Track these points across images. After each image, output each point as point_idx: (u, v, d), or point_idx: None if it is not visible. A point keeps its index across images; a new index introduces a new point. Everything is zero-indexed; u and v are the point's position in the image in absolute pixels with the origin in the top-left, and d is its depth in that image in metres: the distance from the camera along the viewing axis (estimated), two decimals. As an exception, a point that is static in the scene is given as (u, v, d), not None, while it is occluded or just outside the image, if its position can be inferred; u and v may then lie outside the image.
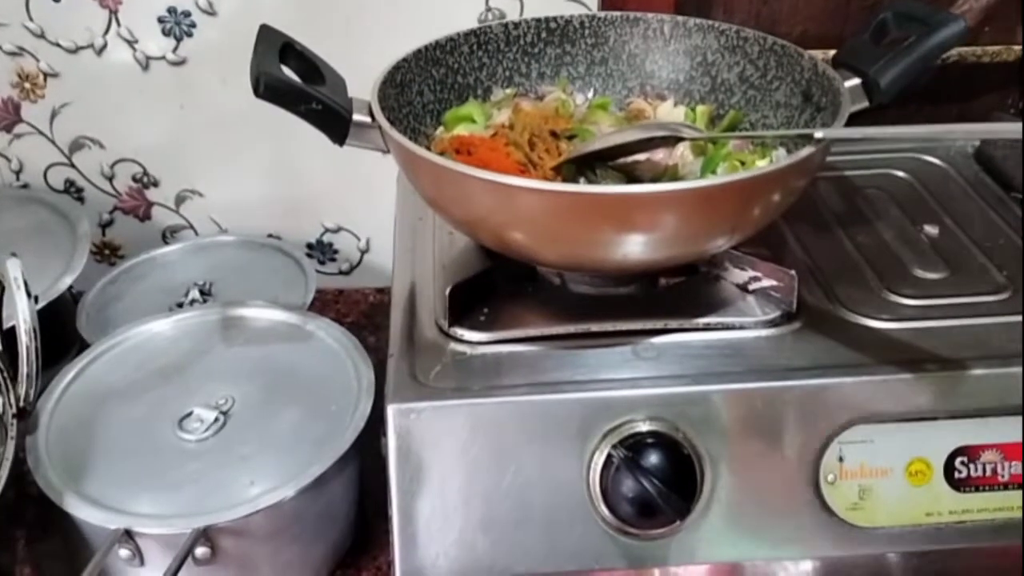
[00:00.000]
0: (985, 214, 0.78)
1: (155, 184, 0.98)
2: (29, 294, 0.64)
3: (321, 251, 1.03)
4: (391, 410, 0.59)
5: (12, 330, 0.70)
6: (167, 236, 1.01)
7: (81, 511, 0.61)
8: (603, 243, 0.59)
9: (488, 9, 0.90)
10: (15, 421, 0.63)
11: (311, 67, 0.66)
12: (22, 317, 0.64)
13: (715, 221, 0.59)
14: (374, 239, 1.03)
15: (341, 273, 1.05)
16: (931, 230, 0.76)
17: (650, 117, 0.78)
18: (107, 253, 1.02)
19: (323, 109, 0.62)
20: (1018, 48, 0.97)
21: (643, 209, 0.56)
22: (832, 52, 0.87)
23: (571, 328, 0.64)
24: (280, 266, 0.93)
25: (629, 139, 0.66)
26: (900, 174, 0.84)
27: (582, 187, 0.60)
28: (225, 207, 1.00)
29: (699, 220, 0.58)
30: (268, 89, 0.59)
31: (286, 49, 0.65)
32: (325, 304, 1.01)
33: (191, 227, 1.01)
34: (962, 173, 0.84)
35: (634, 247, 0.59)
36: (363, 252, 1.04)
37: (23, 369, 0.65)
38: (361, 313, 1.03)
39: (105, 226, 1.00)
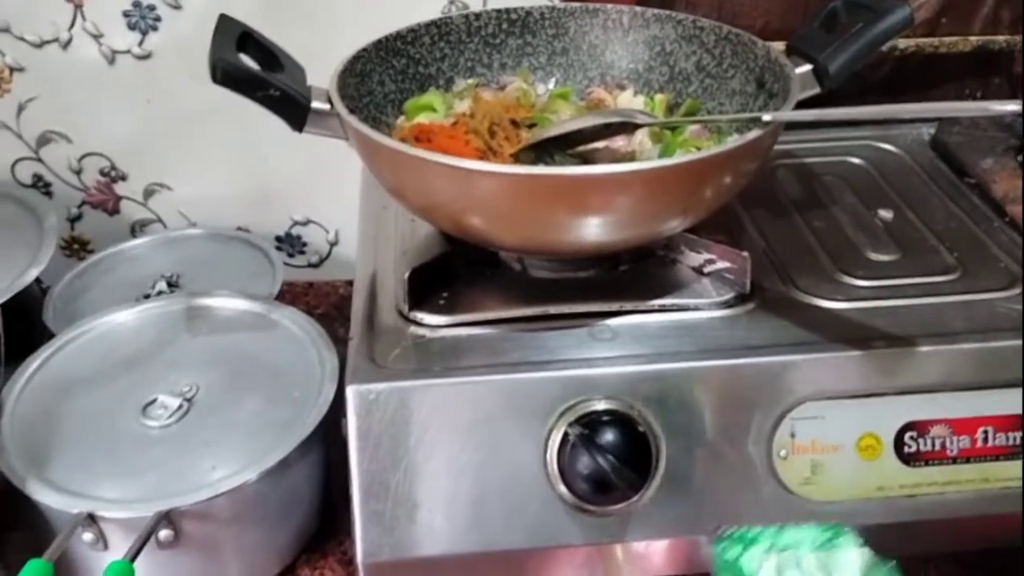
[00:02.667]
0: (939, 199, 0.80)
1: (123, 178, 0.98)
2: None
3: (290, 244, 1.04)
4: (351, 391, 0.59)
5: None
6: (136, 230, 1.01)
7: (44, 496, 0.62)
8: (559, 225, 0.60)
9: (452, 1, 0.91)
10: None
11: (270, 56, 0.66)
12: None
13: (668, 202, 0.60)
14: (343, 231, 1.04)
15: (311, 266, 1.06)
16: (885, 214, 0.77)
17: (610, 106, 0.79)
18: (76, 247, 1.02)
19: (280, 96, 0.62)
20: (974, 39, 0.99)
21: (597, 190, 0.57)
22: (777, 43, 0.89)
23: (529, 311, 0.65)
24: (248, 258, 0.94)
25: (586, 124, 0.67)
26: (856, 161, 0.86)
27: (537, 169, 0.61)
28: (194, 200, 1.00)
29: (652, 201, 0.59)
30: (225, 75, 0.60)
31: (245, 38, 0.65)
32: (295, 296, 1.02)
33: (160, 221, 1.01)
34: (917, 160, 0.85)
35: (589, 229, 0.60)
36: (332, 244, 1.04)
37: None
38: (331, 305, 1.03)
39: (74, 220, 1.01)
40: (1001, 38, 0.99)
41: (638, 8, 0.80)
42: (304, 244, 1.04)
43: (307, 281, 1.05)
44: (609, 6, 0.81)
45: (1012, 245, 0.73)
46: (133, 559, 0.57)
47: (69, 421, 0.68)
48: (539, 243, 0.64)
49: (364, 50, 0.73)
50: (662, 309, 0.65)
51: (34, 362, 0.73)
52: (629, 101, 0.79)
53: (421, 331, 0.65)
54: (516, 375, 0.60)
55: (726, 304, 0.66)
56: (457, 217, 0.63)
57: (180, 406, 0.69)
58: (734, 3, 0.98)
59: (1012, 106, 0.49)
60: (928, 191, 0.81)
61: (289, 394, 0.70)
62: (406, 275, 0.64)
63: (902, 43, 0.97)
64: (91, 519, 0.61)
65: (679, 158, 0.59)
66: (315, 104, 0.64)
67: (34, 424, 0.68)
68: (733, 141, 0.58)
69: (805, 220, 0.77)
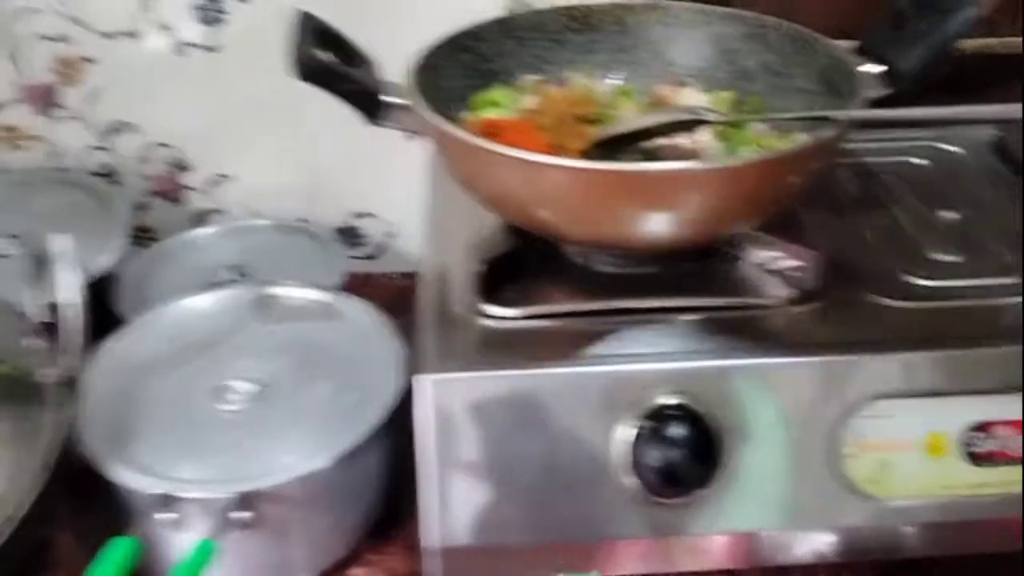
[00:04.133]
0: (1000, 201, 0.80)
1: (189, 168, 1.01)
2: (76, 268, 0.67)
3: (348, 236, 1.05)
4: (423, 380, 0.61)
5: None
6: (199, 219, 1.04)
7: (125, 477, 0.64)
8: (628, 221, 0.61)
9: (514, -1, 0.92)
10: (62, 390, 0.66)
11: (346, 50, 0.68)
12: (67, 289, 0.66)
13: (738, 200, 0.61)
14: (400, 224, 1.05)
15: (368, 258, 1.07)
16: (947, 215, 0.77)
17: (673, 103, 0.80)
18: (140, 236, 1.04)
19: (358, 89, 0.64)
20: (1035, 38, 0.98)
21: (667, 187, 0.58)
22: (852, 43, 0.90)
23: (597, 305, 0.66)
24: (310, 249, 0.96)
25: (654, 122, 0.68)
26: (917, 161, 0.86)
27: (610, 164, 0.61)
28: (255, 192, 1.02)
29: (722, 199, 0.60)
30: (306, 70, 0.62)
31: (322, 33, 0.67)
32: (352, 288, 1.03)
33: (222, 211, 1.03)
34: (979, 161, 0.85)
35: (659, 225, 0.61)
36: (389, 237, 1.06)
37: (69, 340, 0.67)
38: (388, 297, 1.04)
39: (139, 209, 1.03)
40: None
41: (702, 6, 0.80)
42: (362, 236, 1.06)
43: (364, 272, 1.06)
44: (674, 3, 0.81)
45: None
46: (215, 538, 0.59)
47: (145, 403, 0.70)
48: (607, 237, 0.65)
49: (435, 45, 0.74)
50: (729, 307, 0.66)
51: (110, 345, 0.75)
52: (692, 98, 0.80)
53: (490, 323, 0.66)
54: (585, 368, 0.61)
55: (794, 302, 0.66)
56: (527, 209, 0.64)
57: (253, 391, 0.71)
58: (793, 1, 0.99)
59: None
60: (990, 193, 0.81)
61: (357, 382, 0.72)
62: (478, 268, 0.65)
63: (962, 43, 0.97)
64: (170, 499, 0.63)
65: (752, 156, 0.59)
66: (391, 99, 0.66)
67: (112, 406, 0.70)
68: (805, 140, 0.59)
69: (866, 219, 0.77)
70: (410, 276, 1.06)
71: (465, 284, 0.69)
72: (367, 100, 0.64)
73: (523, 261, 0.70)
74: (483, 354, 0.63)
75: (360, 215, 1.04)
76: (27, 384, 0.69)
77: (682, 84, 0.81)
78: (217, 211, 1.03)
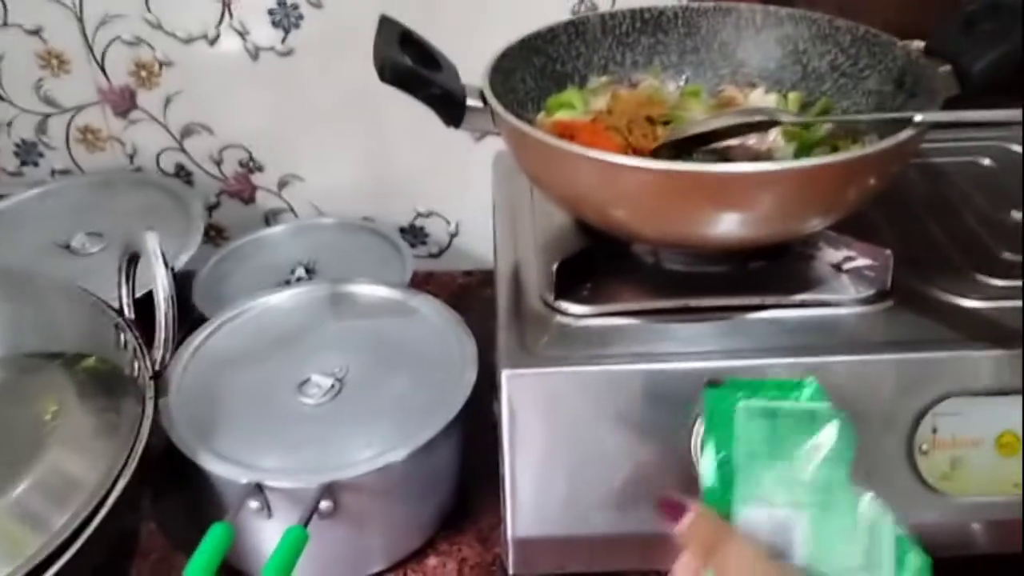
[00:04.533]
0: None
1: (260, 169, 1.03)
2: (167, 264, 0.69)
3: (413, 234, 1.08)
4: (504, 375, 0.62)
5: (142, 299, 0.75)
6: (269, 218, 1.06)
7: (215, 466, 0.66)
8: (702, 221, 0.62)
9: (581, 1, 0.93)
10: (152, 383, 0.69)
11: (427, 55, 0.70)
12: (161, 285, 0.69)
13: (812, 202, 0.62)
14: (463, 223, 1.07)
15: (431, 256, 1.09)
16: (1016, 215, 0.78)
17: (741, 104, 0.81)
18: (213, 234, 1.07)
19: (442, 94, 0.66)
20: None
21: (741, 188, 0.59)
22: (915, 42, 0.90)
23: (669, 303, 0.67)
24: (377, 247, 0.98)
25: (727, 124, 0.69)
26: (985, 161, 0.86)
27: (684, 165, 0.62)
28: (323, 191, 1.05)
29: (796, 200, 0.61)
30: (393, 74, 0.64)
31: (404, 37, 0.69)
32: (416, 285, 1.05)
33: (291, 210, 1.06)
34: (1045, 158, 0.86)
35: (731, 225, 0.62)
36: (452, 236, 1.08)
37: (160, 335, 0.70)
38: (451, 294, 1.07)
39: (212, 208, 1.06)
40: None
41: (771, 8, 0.81)
42: (426, 235, 1.08)
43: (427, 270, 1.09)
44: (742, 5, 0.82)
45: None
46: (304, 526, 0.61)
47: (230, 396, 0.73)
48: (680, 237, 0.66)
49: (509, 49, 0.75)
50: (802, 304, 0.67)
51: (195, 340, 0.78)
52: (761, 99, 0.81)
53: (566, 320, 0.67)
54: (660, 365, 0.62)
55: (866, 301, 0.67)
56: (602, 209, 0.65)
57: (332, 385, 0.73)
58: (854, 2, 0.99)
59: None
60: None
61: (432, 377, 0.74)
62: (553, 267, 0.67)
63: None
64: (259, 488, 0.65)
65: (829, 158, 0.60)
66: (470, 102, 0.68)
67: (198, 398, 0.73)
68: (885, 142, 0.60)
69: (936, 219, 0.78)
70: (471, 274, 1.09)
71: (539, 281, 0.71)
72: (448, 104, 0.66)
73: (594, 259, 0.71)
74: (561, 350, 0.64)
75: (424, 214, 1.07)
76: (117, 377, 0.72)
77: (751, 85, 0.82)
78: (286, 210, 1.06)
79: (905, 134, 0.60)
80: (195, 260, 0.91)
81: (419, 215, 1.07)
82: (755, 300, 0.67)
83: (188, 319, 0.90)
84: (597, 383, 0.63)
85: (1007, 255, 0.73)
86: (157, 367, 0.70)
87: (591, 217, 0.68)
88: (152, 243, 0.69)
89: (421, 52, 0.70)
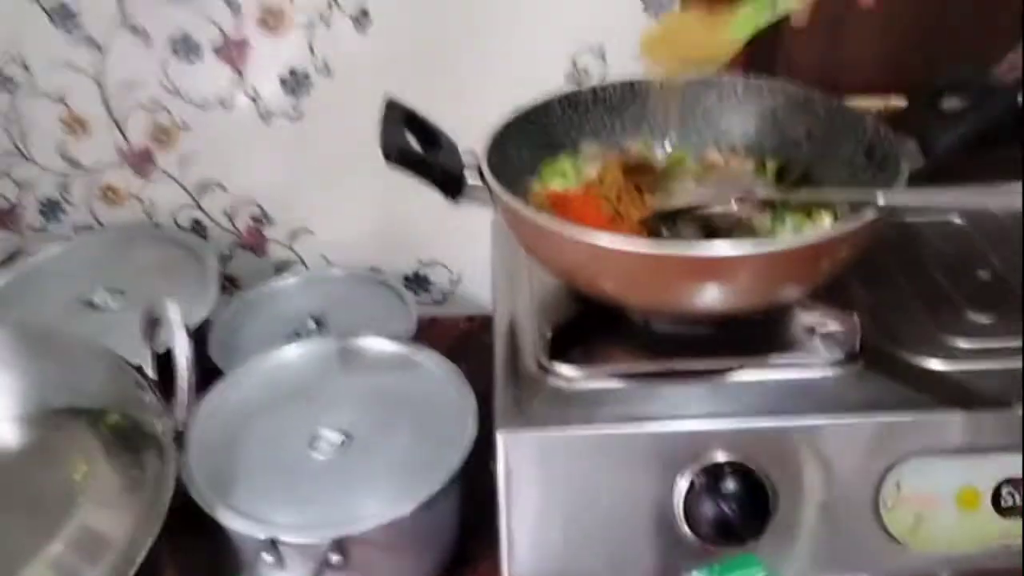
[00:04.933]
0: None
1: (271, 223, 1.09)
2: (188, 332, 0.75)
3: (417, 283, 1.13)
4: (500, 437, 0.67)
5: (162, 358, 0.80)
6: (280, 268, 1.12)
7: (233, 522, 0.71)
8: (684, 294, 0.67)
9: (575, 66, 0.99)
10: (174, 443, 0.74)
11: (429, 134, 0.75)
12: (181, 351, 0.74)
13: (786, 277, 0.67)
14: (465, 272, 1.12)
15: (435, 303, 1.15)
16: (983, 274, 0.82)
17: (723, 168, 0.86)
18: (227, 285, 1.13)
19: (441, 174, 0.71)
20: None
21: (720, 268, 0.64)
22: (892, 98, 0.95)
23: (655, 366, 0.73)
24: (383, 298, 1.03)
25: (706, 199, 0.74)
26: (956, 220, 0.91)
27: (666, 247, 0.66)
28: (331, 243, 1.10)
29: (772, 277, 0.66)
30: (399, 158, 0.69)
31: (408, 118, 0.75)
32: (419, 332, 1.10)
33: (301, 261, 1.11)
34: (1015, 220, 0.90)
35: (712, 298, 0.67)
36: (455, 283, 1.13)
37: (181, 397, 0.75)
38: (453, 340, 1.12)
39: (226, 259, 1.11)
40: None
41: (752, 80, 0.86)
42: (429, 283, 1.13)
43: (430, 316, 1.13)
44: (724, 78, 0.87)
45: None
46: (313, 580, 0.66)
47: (245, 451, 0.78)
48: (664, 307, 0.71)
49: (506, 123, 0.81)
50: (777, 366, 0.72)
51: (212, 397, 0.83)
52: (741, 164, 0.86)
53: (559, 382, 0.72)
54: (647, 429, 0.68)
55: (837, 363, 0.72)
56: (590, 281, 0.71)
57: (341, 441, 0.78)
58: (836, 58, 1.04)
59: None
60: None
61: (434, 432, 0.79)
62: (548, 335, 0.72)
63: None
64: (273, 543, 0.70)
65: (801, 239, 0.65)
66: (469, 179, 0.73)
67: (215, 453, 0.78)
68: (851, 223, 0.65)
69: (907, 277, 0.82)
70: (473, 319, 1.14)
71: (535, 343, 0.76)
72: (449, 183, 0.71)
73: (587, 321, 0.76)
74: (554, 412, 0.69)
75: (427, 264, 1.12)
76: (140, 434, 0.77)
77: (733, 150, 0.88)
78: (296, 261, 1.11)
79: (870, 215, 0.65)
80: (211, 311, 0.96)
81: (422, 264, 1.12)
82: (735, 363, 0.72)
83: (203, 369, 0.96)
84: (589, 445, 0.68)
85: (972, 315, 0.77)
86: (179, 427, 0.75)
87: (582, 287, 0.73)
88: (172, 311, 0.74)
89: (424, 130, 0.75)
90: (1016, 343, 0.74)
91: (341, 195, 1.07)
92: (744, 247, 0.64)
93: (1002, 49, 1.00)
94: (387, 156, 0.69)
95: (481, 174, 0.73)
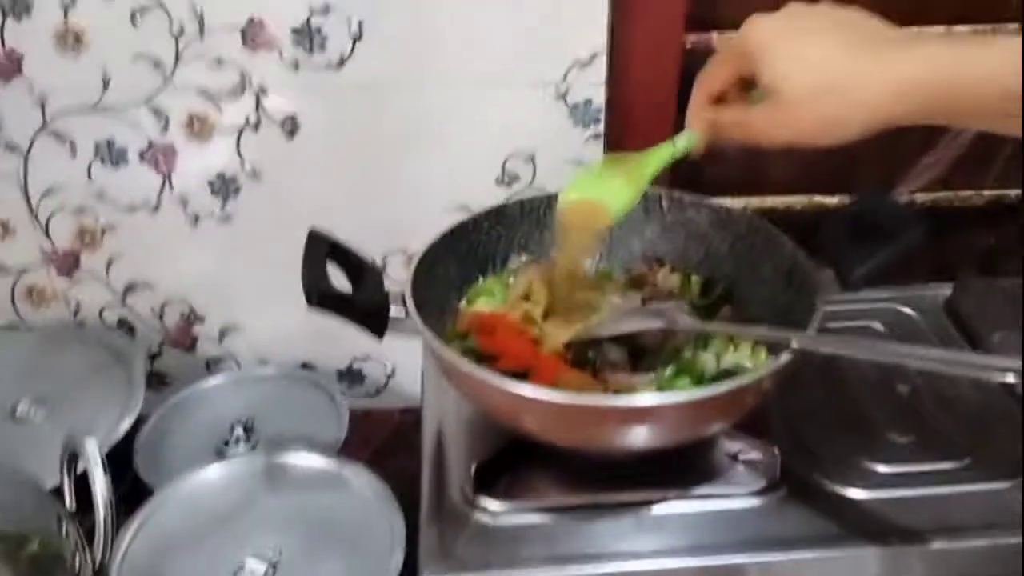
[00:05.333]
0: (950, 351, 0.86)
1: (201, 320, 1.08)
2: (105, 469, 0.73)
3: (351, 377, 1.12)
4: (425, 583, 0.67)
5: (82, 485, 0.79)
6: (210, 365, 1.10)
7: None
8: (603, 437, 0.68)
9: (504, 172, 0.99)
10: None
11: (353, 264, 0.75)
12: (100, 491, 0.73)
13: (705, 419, 0.68)
14: (399, 365, 1.12)
15: (368, 396, 1.14)
16: (902, 388, 0.84)
17: (650, 282, 0.87)
18: (155, 381, 1.11)
19: (365, 314, 0.71)
20: (987, 193, 1.06)
21: (637, 416, 0.65)
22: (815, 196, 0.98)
23: (581, 499, 0.73)
24: (315, 399, 1.02)
25: (629, 329, 0.75)
26: (877, 326, 0.93)
27: (581, 398, 0.66)
28: (263, 339, 1.09)
29: (690, 420, 0.67)
30: (320, 301, 0.69)
31: (332, 249, 0.75)
32: (354, 425, 1.09)
33: (233, 357, 1.10)
34: (933, 325, 0.93)
35: (632, 440, 0.68)
36: (389, 377, 1.13)
37: (100, 536, 0.73)
38: (389, 434, 1.12)
39: (154, 357, 1.10)
40: (1013, 192, 1.07)
41: (675, 193, 0.88)
42: (363, 377, 1.13)
43: (365, 410, 1.13)
44: (649, 190, 0.88)
45: (1017, 424, 0.79)
46: None
47: (170, 584, 0.77)
48: (587, 447, 0.72)
49: (433, 245, 0.81)
50: (701, 497, 0.73)
51: (132, 525, 0.81)
52: (667, 277, 0.87)
53: (485, 518, 0.72)
54: (570, 569, 0.68)
55: (759, 492, 0.73)
56: (511, 421, 0.71)
57: (266, 572, 0.77)
58: (762, 161, 1.07)
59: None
60: (942, 361, 0.88)
61: (363, 558, 0.78)
62: (473, 469, 0.72)
63: (920, 197, 1.05)
64: None
65: (717, 388, 0.65)
66: (394, 312, 0.73)
67: (138, 588, 0.77)
68: (766, 369, 0.66)
69: (827, 394, 0.84)
70: (408, 411, 1.14)
71: (460, 475, 0.76)
72: (374, 322, 0.71)
73: (514, 450, 0.76)
74: (479, 552, 0.69)
75: (361, 358, 1.11)
76: (59, 565, 0.75)
77: (659, 263, 0.89)
78: (227, 357, 1.10)
79: (784, 358, 0.66)
80: (137, 413, 0.94)
81: (356, 359, 1.11)
82: (659, 494, 0.73)
83: (129, 480, 0.94)
84: (511, 587, 0.68)
85: (892, 435, 0.79)
86: (97, 566, 0.73)
87: (504, 424, 0.73)
88: (92, 450, 0.73)
89: (348, 262, 0.75)
90: (933, 467, 0.76)
91: (272, 293, 1.05)
92: (662, 398, 0.65)
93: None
94: (308, 298, 0.68)
95: (406, 307, 0.73)
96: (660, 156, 0.70)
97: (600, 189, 0.73)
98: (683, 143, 0.68)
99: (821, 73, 0.56)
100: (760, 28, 0.60)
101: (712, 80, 0.64)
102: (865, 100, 0.56)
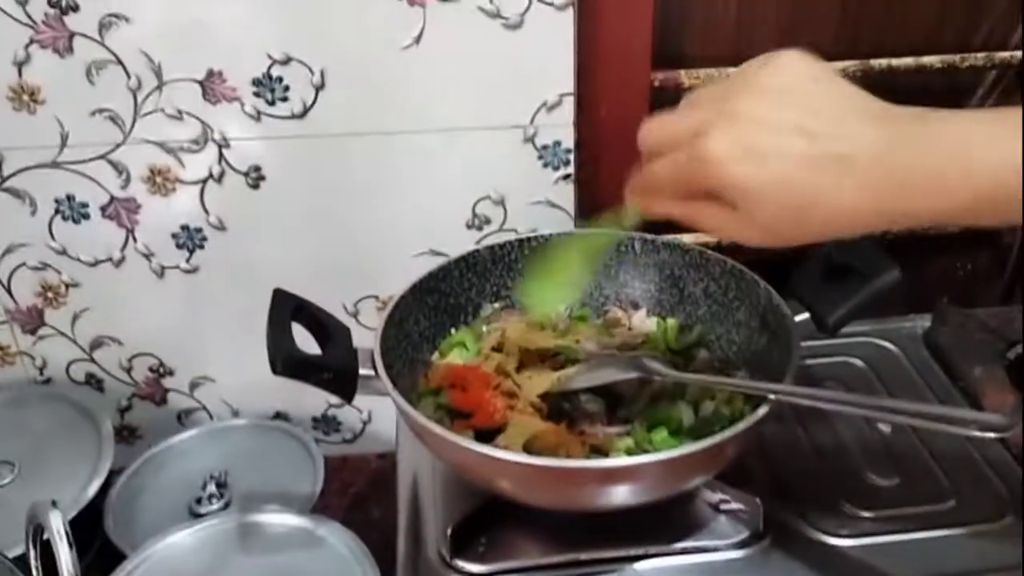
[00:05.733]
0: (929, 400, 0.86)
1: (170, 373, 1.06)
2: (71, 543, 0.71)
3: (326, 424, 1.10)
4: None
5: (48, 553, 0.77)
6: (182, 417, 1.08)
7: None
8: (582, 497, 0.66)
9: (475, 216, 0.98)
10: (61, 660, 0.70)
11: (319, 323, 0.74)
12: (65, 565, 0.71)
13: (684, 475, 0.66)
14: (375, 411, 1.10)
15: (345, 441, 1.12)
16: (884, 428, 0.83)
17: (625, 325, 0.86)
18: (126, 435, 1.09)
19: (333, 377, 0.69)
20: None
21: (614, 477, 0.64)
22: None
23: (561, 558, 0.71)
24: (289, 450, 1.01)
25: (604, 381, 0.73)
26: (856, 362, 0.92)
27: (555, 461, 0.65)
28: (235, 389, 1.07)
29: (669, 477, 0.66)
30: (285, 367, 0.67)
31: (297, 309, 0.73)
32: (331, 472, 1.08)
33: (205, 408, 1.08)
34: (913, 360, 0.92)
35: (611, 499, 0.66)
36: (365, 423, 1.11)
37: (68, 613, 0.71)
38: (365, 481, 1.10)
39: (124, 411, 1.07)
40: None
41: (648, 236, 0.86)
42: (339, 423, 1.11)
43: (342, 455, 1.11)
44: (622, 233, 0.87)
45: (1002, 464, 0.78)
46: None
47: (140, 661, 0.75)
48: (566, 507, 0.70)
49: (402, 298, 0.79)
50: (684, 551, 0.72)
51: (104, 597, 0.79)
52: (642, 321, 0.86)
53: (462, 580, 0.71)
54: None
55: (742, 544, 0.72)
56: (487, 482, 0.69)
57: (241, 642, 0.75)
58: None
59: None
60: (923, 396, 0.87)
61: (339, 623, 0.76)
62: (448, 531, 0.70)
63: (895, 225, 1.04)
64: None
65: (695, 446, 0.63)
66: (362, 371, 0.71)
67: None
68: (745, 422, 0.64)
69: (809, 436, 0.83)
70: (385, 456, 1.12)
71: (437, 534, 0.74)
72: (342, 385, 0.70)
73: (490, 508, 0.75)
74: (456, 620, 0.68)
75: (336, 404, 1.09)
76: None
77: (634, 306, 0.88)
78: (199, 409, 1.08)
79: (762, 411, 0.65)
80: (106, 469, 0.92)
81: (331, 406, 1.10)
82: (640, 550, 0.72)
83: (99, 542, 0.92)
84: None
85: (874, 478, 0.78)
86: (67, 642, 0.71)
87: (478, 485, 0.71)
88: (56, 522, 0.71)
89: (315, 321, 0.74)
90: (918, 510, 0.75)
91: (242, 342, 1.04)
92: (635, 460, 0.63)
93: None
94: (273, 366, 0.67)
95: (375, 367, 0.71)
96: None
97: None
98: (631, 220, 0.64)
99: (785, 196, 0.51)
100: (716, 149, 0.51)
101: (655, 181, 0.57)
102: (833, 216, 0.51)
